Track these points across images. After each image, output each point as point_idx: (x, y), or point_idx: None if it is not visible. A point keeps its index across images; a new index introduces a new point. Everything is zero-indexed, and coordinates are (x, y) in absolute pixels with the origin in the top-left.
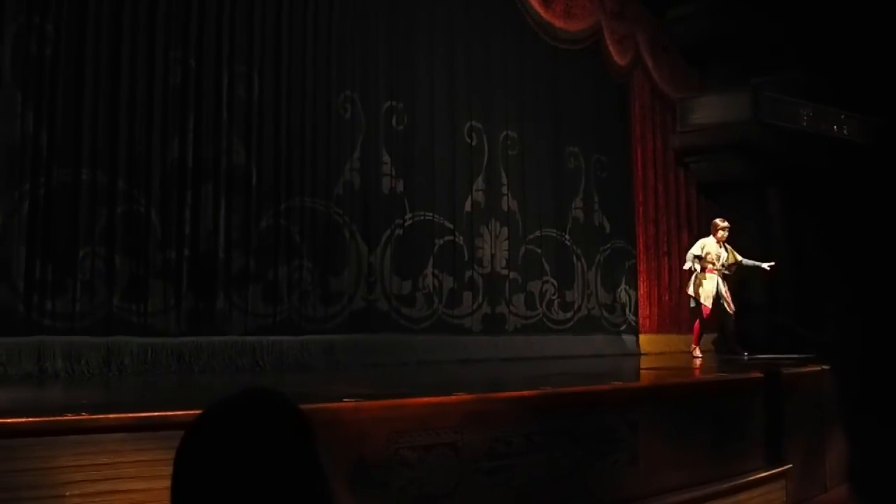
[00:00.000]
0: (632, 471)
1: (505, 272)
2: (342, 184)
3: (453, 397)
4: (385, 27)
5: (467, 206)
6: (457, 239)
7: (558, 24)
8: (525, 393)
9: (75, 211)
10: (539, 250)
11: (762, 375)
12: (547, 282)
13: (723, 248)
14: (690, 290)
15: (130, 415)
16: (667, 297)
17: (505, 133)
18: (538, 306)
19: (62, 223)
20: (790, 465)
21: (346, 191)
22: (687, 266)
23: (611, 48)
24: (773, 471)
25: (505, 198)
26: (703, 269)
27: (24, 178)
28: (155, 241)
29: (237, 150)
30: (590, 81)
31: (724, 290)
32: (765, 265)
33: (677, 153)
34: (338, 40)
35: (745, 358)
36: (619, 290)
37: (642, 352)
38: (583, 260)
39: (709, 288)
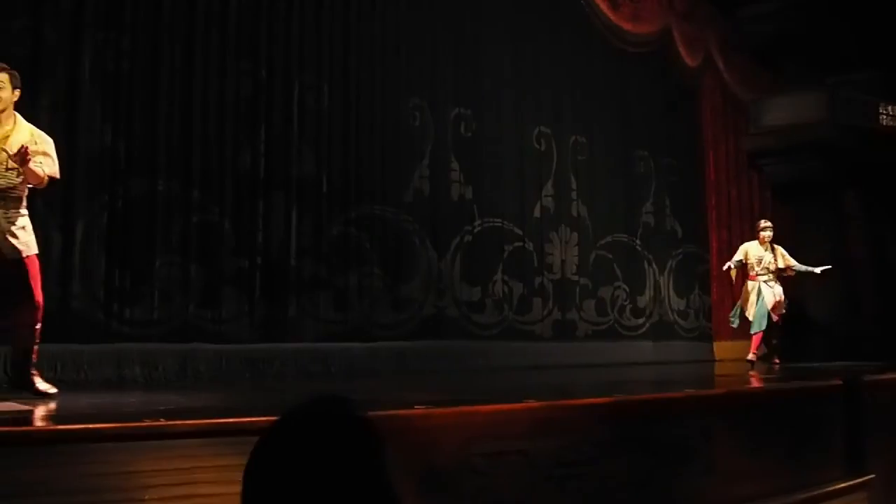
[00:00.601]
0: (707, 480)
1: (575, 278)
2: (412, 191)
3: (524, 404)
4: (452, 35)
5: (536, 212)
6: (526, 245)
7: (627, 27)
8: (596, 400)
9: (152, 221)
10: (610, 255)
11: (841, 382)
12: (618, 287)
13: (768, 251)
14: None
15: (207, 421)
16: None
17: (574, 138)
18: (609, 312)
19: (139, 233)
20: (872, 476)
21: (415, 198)
22: (725, 268)
23: (681, 50)
24: (854, 481)
25: (574, 203)
26: (747, 276)
27: (104, 189)
28: (228, 249)
29: (307, 159)
30: (659, 84)
31: (769, 296)
32: (817, 269)
33: (750, 155)
34: (406, 49)
35: (776, 366)
36: (692, 295)
37: (716, 358)
38: (654, 265)
39: (751, 297)
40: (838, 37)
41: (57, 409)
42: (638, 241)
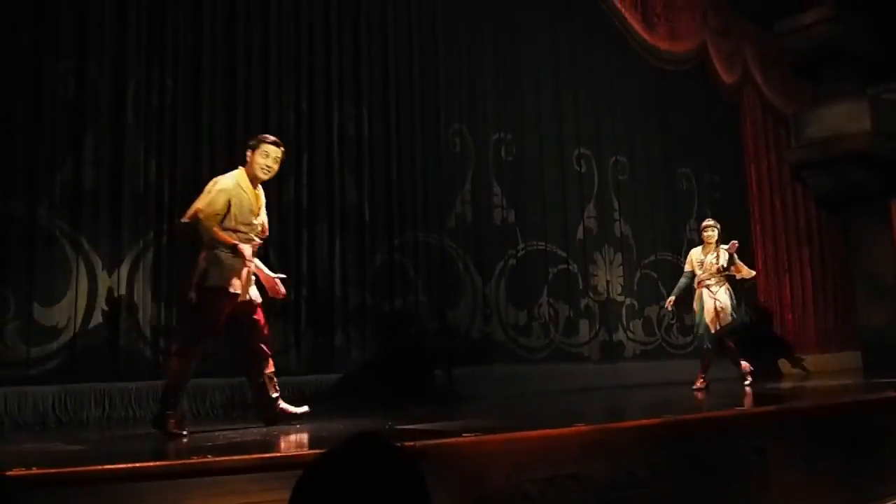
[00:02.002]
0: (762, 498)
1: (621, 298)
2: (454, 216)
3: (574, 428)
4: (491, 60)
5: (579, 234)
6: (570, 267)
7: (663, 46)
8: (647, 421)
9: (196, 255)
10: (655, 274)
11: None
12: (664, 306)
13: (712, 253)
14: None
15: (256, 456)
16: (790, 317)
17: (614, 158)
18: (657, 331)
19: (184, 268)
20: None
21: (458, 223)
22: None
23: (718, 66)
24: None
25: (617, 223)
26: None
27: (149, 225)
28: None
29: (349, 188)
30: (698, 101)
31: (710, 304)
32: (746, 273)
33: (793, 168)
34: (445, 75)
35: (748, 382)
36: (739, 310)
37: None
38: None
39: (695, 308)
40: (877, 46)
41: (106, 448)
42: (682, 259)
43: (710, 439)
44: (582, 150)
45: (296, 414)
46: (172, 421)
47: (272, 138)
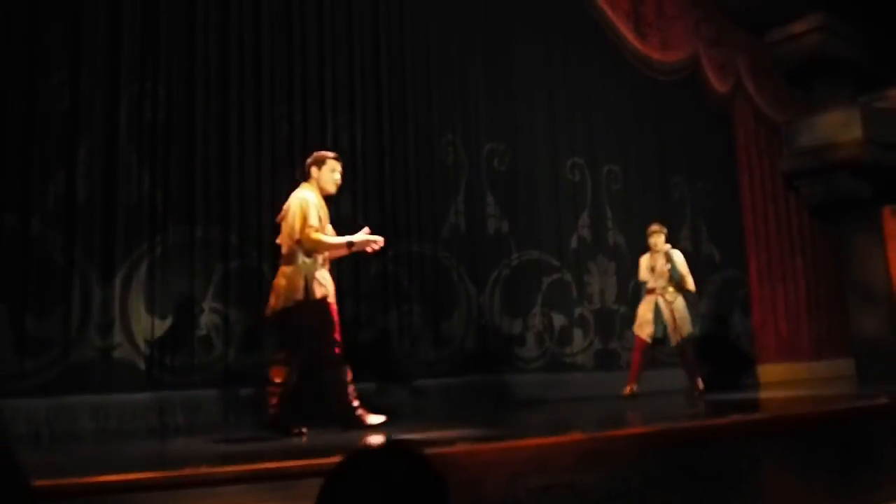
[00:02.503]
0: None
1: (615, 307)
2: (448, 227)
3: (569, 437)
4: (483, 70)
5: (573, 243)
6: (564, 276)
7: (655, 55)
8: (641, 429)
9: (191, 267)
10: None
11: (888, 401)
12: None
13: (661, 259)
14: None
15: (249, 466)
16: (784, 325)
17: (607, 168)
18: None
19: (178, 280)
20: None
21: (452, 234)
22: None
23: (710, 76)
24: None
25: (611, 232)
26: (646, 293)
27: (142, 237)
28: (267, 293)
29: (343, 199)
30: (691, 110)
31: (667, 312)
32: (689, 286)
33: (786, 177)
34: (437, 86)
35: (696, 395)
36: (733, 319)
37: (761, 381)
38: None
39: (642, 312)
40: (869, 55)
41: (100, 460)
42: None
43: (705, 447)
44: (575, 160)
45: (372, 423)
46: (369, 415)
47: (333, 154)
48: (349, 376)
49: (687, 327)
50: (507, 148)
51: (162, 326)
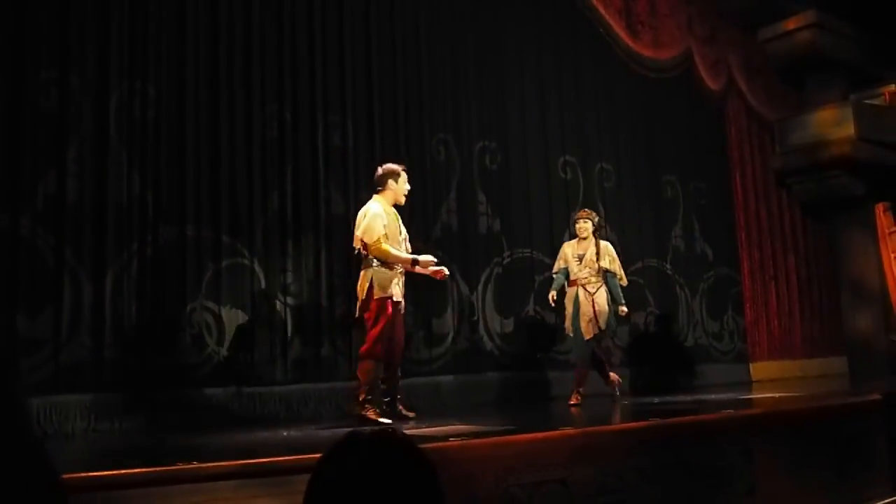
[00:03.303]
0: (749, 501)
1: (608, 305)
2: (440, 226)
3: (561, 432)
4: (475, 68)
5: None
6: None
7: (647, 53)
8: (634, 425)
9: (182, 266)
10: (641, 281)
11: (880, 398)
12: (650, 313)
13: (591, 248)
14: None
15: (242, 462)
16: (776, 323)
17: (599, 165)
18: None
19: (170, 279)
20: None
21: (443, 232)
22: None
23: (703, 74)
24: None
25: (603, 230)
26: (569, 284)
27: (133, 236)
28: (259, 292)
29: (335, 198)
30: (683, 108)
31: (587, 306)
32: (622, 308)
33: (778, 175)
34: (428, 84)
35: (617, 392)
36: (726, 317)
37: (753, 379)
38: (686, 289)
39: (568, 310)
40: (861, 52)
41: (90, 456)
42: (668, 266)
43: (698, 443)
44: (567, 158)
45: (407, 417)
46: (374, 411)
47: (404, 166)
48: (374, 372)
49: (605, 321)
50: (499, 146)
51: (153, 326)
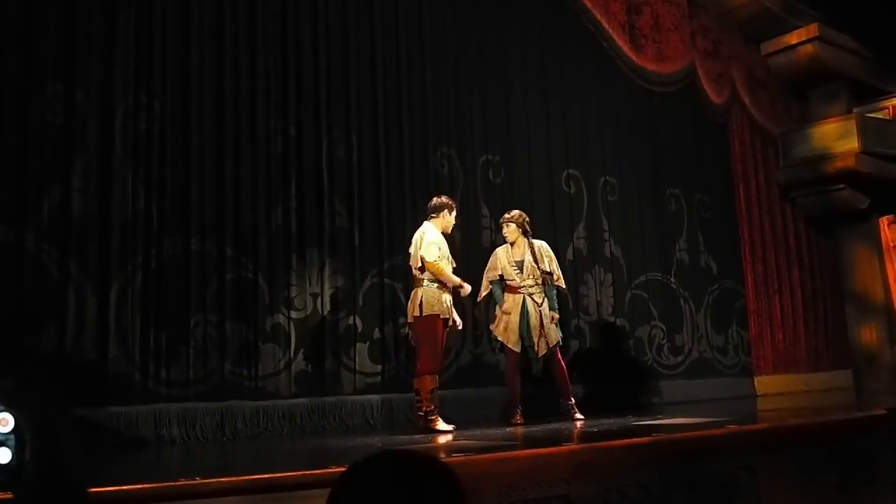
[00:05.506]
0: None
1: (612, 318)
2: None
3: (564, 447)
4: (479, 81)
5: (569, 254)
6: (561, 288)
7: (651, 67)
8: (637, 440)
9: (186, 280)
10: (645, 295)
11: (886, 412)
12: (655, 326)
13: (528, 253)
14: (493, 326)
15: (244, 477)
16: (780, 336)
17: (603, 179)
18: (647, 351)
19: (174, 293)
20: None
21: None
22: (481, 296)
23: (706, 87)
24: None
25: (607, 244)
26: (506, 291)
27: (137, 250)
28: (263, 305)
29: (339, 212)
30: (687, 122)
31: (534, 314)
32: (554, 314)
33: (782, 188)
34: (432, 98)
35: (575, 414)
36: (731, 331)
37: (758, 393)
38: (690, 302)
39: (511, 318)
40: (863, 65)
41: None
42: (673, 280)
43: (702, 458)
44: (571, 171)
45: (444, 430)
46: (440, 421)
47: (454, 202)
48: (434, 385)
49: (554, 334)
50: (502, 160)
51: (157, 339)
